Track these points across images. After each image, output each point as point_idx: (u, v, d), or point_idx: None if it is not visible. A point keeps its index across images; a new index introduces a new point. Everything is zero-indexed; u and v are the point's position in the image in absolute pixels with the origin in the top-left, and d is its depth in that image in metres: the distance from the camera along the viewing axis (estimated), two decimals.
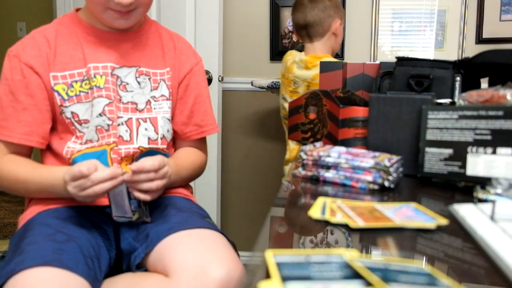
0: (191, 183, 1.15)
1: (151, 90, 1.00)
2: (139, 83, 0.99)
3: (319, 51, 1.71)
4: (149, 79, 1.00)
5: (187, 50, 1.08)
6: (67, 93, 0.94)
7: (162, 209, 0.94)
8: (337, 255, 0.40)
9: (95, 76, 0.95)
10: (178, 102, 1.06)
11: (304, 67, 1.68)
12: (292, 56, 1.76)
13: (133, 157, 0.97)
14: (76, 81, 0.94)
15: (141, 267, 0.87)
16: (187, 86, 1.06)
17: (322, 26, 1.69)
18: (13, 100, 0.93)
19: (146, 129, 0.99)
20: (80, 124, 0.94)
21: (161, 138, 1.00)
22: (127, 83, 0.98)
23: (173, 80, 1.04)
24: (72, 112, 0.94)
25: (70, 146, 0.95)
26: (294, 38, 2.32)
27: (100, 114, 0.94)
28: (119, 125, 0.96)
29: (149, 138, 0.99)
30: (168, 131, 1.02)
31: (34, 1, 3.56)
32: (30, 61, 0.93)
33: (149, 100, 1.00)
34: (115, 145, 0.94)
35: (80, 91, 0.95)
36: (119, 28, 0.96)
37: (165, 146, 1.02)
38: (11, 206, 3.64)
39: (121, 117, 0.97)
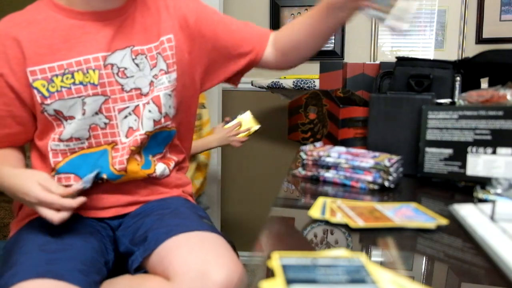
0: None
1: (151, 69, 0.92)
2: (137, 65, 0.91)
3: None
4: (146, 57, 0.91)
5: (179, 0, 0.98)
6: (47, 89, 0.86)
7: (159, 212, 0.92)
8: (344, 259, 0.40)
9: (88, 71, 0.87)
10: (215, 40, 0.97)
11: None
12: None
13: (142, 144, 0.94)
14: (56, 75, 0.85)
15: (140, 269, 0.86)
16: (200, 27, 0.96)
17: None
18: None
19: (150, 111, 0.92)
20: (66, 120, 0.88)
21: (164, 116, 0.94)
22: (125, 68, 0.89)
23: (177, 42, 0.93)
24: (55, 110, 0.87)
25: (54, 148, 0.90)
26: None
27: (96, 113, 0.88)
28: (126, 116, 0.90)
29: (154, 120, 0.93)
30: (170, 106, 0.94)
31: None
32: None
33: (152, 81, 0.92)
34: (115, 144, 0.92)
35: (61, 86, 0.86)
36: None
37: (169, 123, 0.96)
38: (11, 206, 3.64)
39: (127, 107, 0.90)
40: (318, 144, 0.87)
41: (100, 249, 0.87)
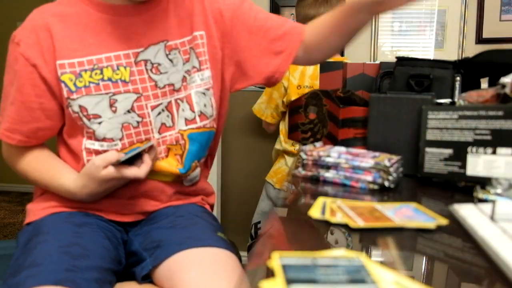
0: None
1: (184, 64, 0.90)
2: (171, 60, 0.88)
3: None
4: (179, 52, 0.89)
5: None
6: (75, 84, 0.84)
7: (173, 219, 0.90)
8: (344, 259, 0.40)
9: (118, 68, 0.85)
10: (244, 46, 0.94)
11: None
12: None
13: (180, 146, 0.91)
14: (85, 70, 0.83)
15: (147, 277, 0.85)
16: (233, 25, 0.94)
17: None
18: (8, 92, 0.87)
19: (183, 109, 0.90)
20: (89, 119, 0.85)
21: (199, 116, 0.91)
22: (159, 64, 0.87)
23: (208, 39, 0.91)
24: (80, 106, 0.84)
25: (88, 147, 0.87)
26: None
27: (128, 111, 0.86)
28: (159, 113, 0.89)
29: (185, 119, 0.90)
30: (205, 105, 0.91)
31: (34, 1, 3.56)
32: (26, 51, 0.83)
33: (184, 76, 0.90)
34: (148, 141, 0.88)
35: (89, 82, 0.84)
36: None
37: (206, 122, 0.92)
38: (11, 206, 3.64)
39: (161, 103, 0.88)
40: (318, 144, 0.87)
41: (115, 257, 0.85)
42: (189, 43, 0.90)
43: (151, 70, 0.87)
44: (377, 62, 1.22)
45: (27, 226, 0.90)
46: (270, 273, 0.37)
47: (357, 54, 2.24)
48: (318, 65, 1.57)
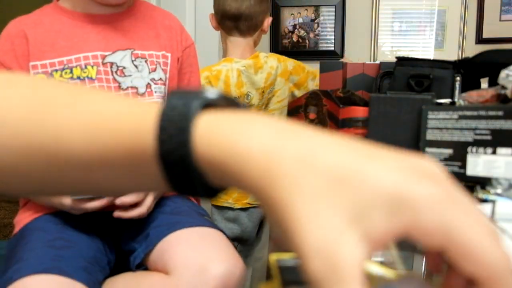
0: None
1: (150, 73, 0.97)
2: (136, 66, 0.95)
3: (250, 47, 1.57)
4: (146, 61, 0.97)
5: (182, 30, 1.07)
6: None
7: (160, 209, 0.94)
8: None
9: (86, 67, 0.91)
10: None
11: (253, 73, 1.51)
12: (225, 69, 1.48)
13: None
14: (56, 70, 0.90)
15: (141, 266, 0.87)
16: (183, 62, 1.05)
17: (257, 21, 1.54)
18: None
19: None
20: None
21: None
22: (124, 67, 0.94)
23: (172, 61, 1.00)
24: None
25: None
26: (294, 38, 2.32)
27: None
28: None
29: None
30: None
31: (34, 1, 3.56)
32: (2, 57, 0.91)
33: (149, 83, 0.96)
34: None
35: None
36: (111, 3, 0.93)
37: None
38: (11, 206, 3.64)
39: None
40: None
41: (104, 248, 0.88)
42: (157, 57, 0.98)
43: (116, 72, 0.94)
44: (377, 62, 1.22)
45: (14, 236, 0.92)
46: (269, 275, 0.37)
47: (357, 54, 2.24)
48: (241, 72, 1.49)
